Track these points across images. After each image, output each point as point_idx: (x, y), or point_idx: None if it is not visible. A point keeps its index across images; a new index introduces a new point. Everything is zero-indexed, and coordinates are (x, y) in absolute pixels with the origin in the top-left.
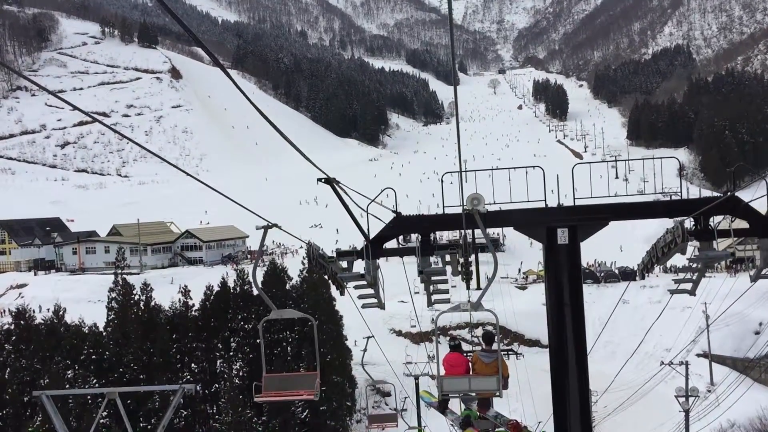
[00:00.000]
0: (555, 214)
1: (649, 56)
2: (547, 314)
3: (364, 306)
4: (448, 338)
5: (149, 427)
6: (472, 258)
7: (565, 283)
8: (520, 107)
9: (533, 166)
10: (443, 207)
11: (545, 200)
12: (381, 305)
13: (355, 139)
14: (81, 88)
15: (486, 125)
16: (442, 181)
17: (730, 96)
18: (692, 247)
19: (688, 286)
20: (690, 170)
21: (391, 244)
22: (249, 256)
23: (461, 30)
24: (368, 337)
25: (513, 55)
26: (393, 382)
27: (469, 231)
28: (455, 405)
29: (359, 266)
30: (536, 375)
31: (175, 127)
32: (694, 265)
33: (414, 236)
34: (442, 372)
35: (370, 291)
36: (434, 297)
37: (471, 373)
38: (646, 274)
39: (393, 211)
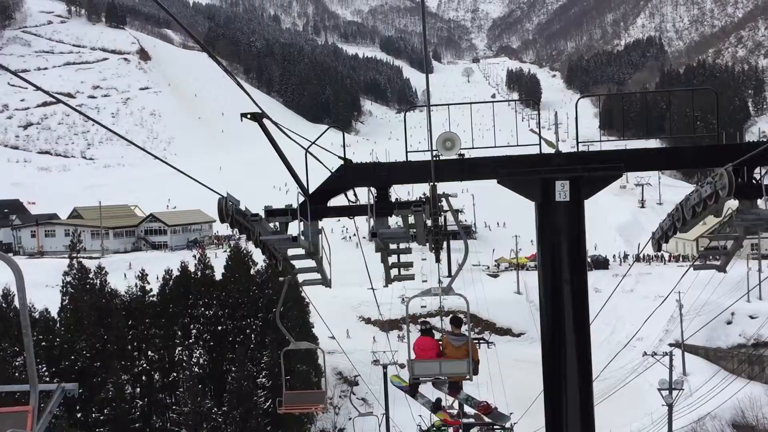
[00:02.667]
0: (552, 163)
1: (622, 47)
2: (540, 295)
3: (304, 283)
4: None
5: (102, 417)
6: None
7: (564, 253)
8: (493, 96)
9: (528, 99)
10: (406, 152)
11: (539, 145)
12: (326, 282)
13: (327, 125)
14: (46, 68)
15: (459, 113)
16: (405, 117)
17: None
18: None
19: (718, 260)
20: None
21: (340, 201)
22: (216, 241)
23: (435, 18)
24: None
25: (487, 44)
26: (362, 370)
27: (440, 184)
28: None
29: (295, 232)
30: (508, 364)
31: (143, 110)
32: (728, 233)
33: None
34: (413, 356)
35: (312, 264)
36: (394, 272)
37: (442, 357)
38: (664, 243)
39: (340, 158)
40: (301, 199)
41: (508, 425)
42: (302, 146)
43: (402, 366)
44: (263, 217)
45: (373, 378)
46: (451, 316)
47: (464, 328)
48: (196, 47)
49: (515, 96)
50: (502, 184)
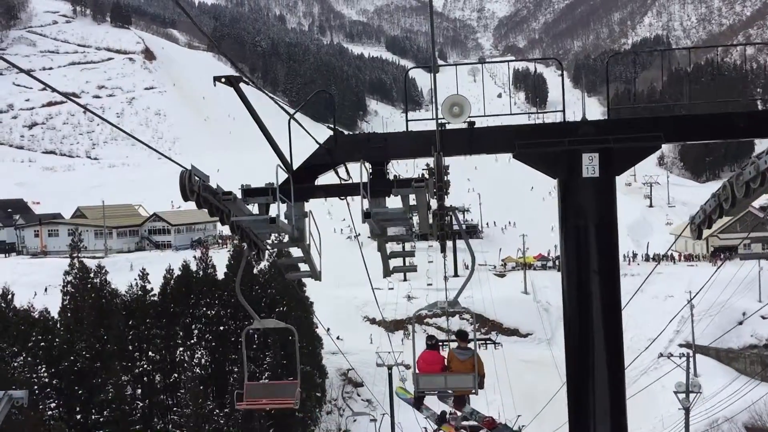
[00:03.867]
0: (579, 132)
1: (629, 46)
2: (563, 289)
3: (288, 275)
4: (423, 328)
5: (101, 419)
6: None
7: (592, 238)
8: (499, 96)
9: (549, 58)
10: (406, 120)
11: (563, 111)
12: (315, 275)
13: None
14: (51, 68)
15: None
16: (406, 77)
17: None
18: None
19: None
20: (670, 159)
21: (330, 180)
22: (219, 241)
23: (441, 18)
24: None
25: (493, 43)
26: (367, 371)
27: (446, 159)
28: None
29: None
30: (515, 366)
31: (148, 109)
32: None
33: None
34: (418, 370)
35: (299, 254)
36: (394, 264)
37: (447, 371)
38: (704, 228)
39: (329, 128)
40: (284, 176)
41: (516, 428)
42: (287, 112)
43: (408, 367)
44: (238, 196)
45: (377, 379)
46: (457, 330)
47: (471, 343)
48: (202, 47)
49: (521, 96)
50: (519, 159)
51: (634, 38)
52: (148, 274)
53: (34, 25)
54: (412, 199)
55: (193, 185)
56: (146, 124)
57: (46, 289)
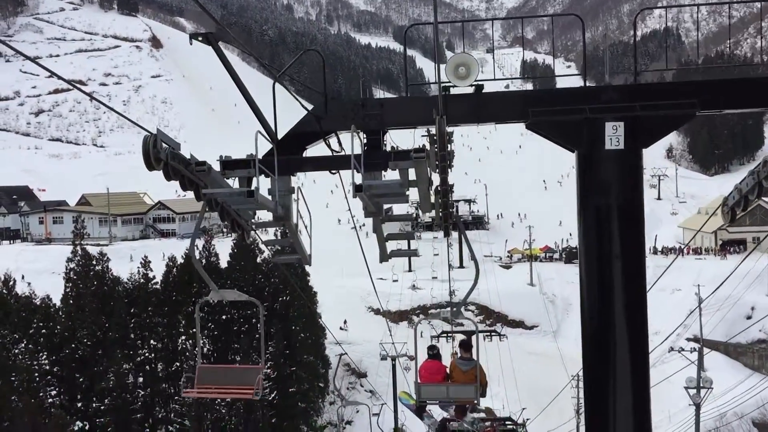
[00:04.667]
0: (602, 98)
1: (639, 38)
2: (581, 275)
3: (275, 258)
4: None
5: (102, 407)
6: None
7: (614, 220)
8: (507, 86)
9: (568, 14)
10: (406, 83)
11: (584, 75)
12: (304, 258)
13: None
14: (57, 55)
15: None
16: (405, 35)
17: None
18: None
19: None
20: (678, 152)
21: (320, 151)
22: (225, 230)
23: (449, 8)
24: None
25: (501, 34)
26: (370, 362)
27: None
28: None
29: (262, 190)
30: (520, 358)
31: (154, 98)
32: None
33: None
34: (420, 379)
35: (287, 237)
36: (392, 248)
37: (449, 380)
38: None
39: (320, 93)
40: (267, 146)
41: (520, 421)
42: (273, 73)
43: (411, 358)
44: (213, 168)
45: (381, 369)
46: (461, 340)
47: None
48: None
49: (529, 86)
50: (533, 129)
51: (643, 30)
52: (150, 261)
53: (41, 12)
54: (412, 174)
55: (160, 153)
56: (152, 113)
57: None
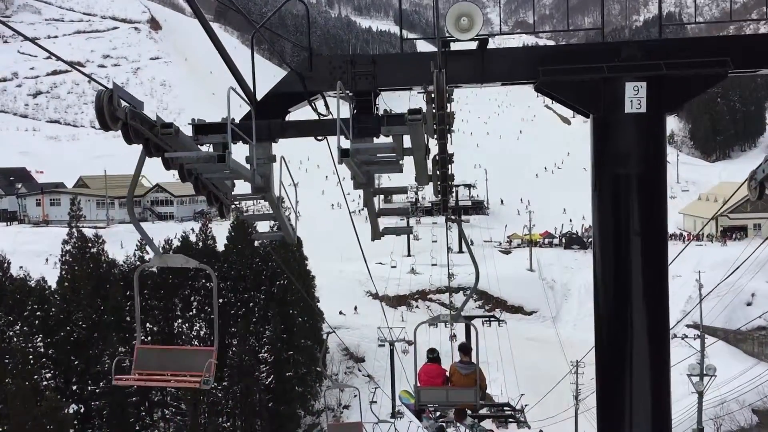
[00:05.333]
0: (622, 55)
1: (641, 23)
2: (594, 257)
3: (257, 237)
4: (426, 304)
5: (97, 390)
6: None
7: (634, 192)
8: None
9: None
10: (401, 40)
11: (602, 27)
12: (288, 236)
13: None
14: (56, 36)
15: (472, 89)
16: None
17: None
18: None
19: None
20: (680, 138)
21: (305, 114)
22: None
23: None
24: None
25: (503, 18)
26: (368, 346)
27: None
28: None
29: (240, 158)
30: (519, 344)
31: (153, 80)
32: None
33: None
34: (419, 383)
35: (269, 211)
36: (385, 225)
37: (448, 384)
38: None
39: (304, 47)
40: (243, 109)
41: (519, 407)
42: (253, 25)
43: (410, 343)
44: (183, 132)
45: (380, 354)
46: (460, 344)
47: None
48: (209, 17)
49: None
50: (542, 91)
51: (645, 15)
52: (146, 244)
53: None
54: (408, 142)
55: (116, 110)
56: (151, 95)
57: (47, 260)
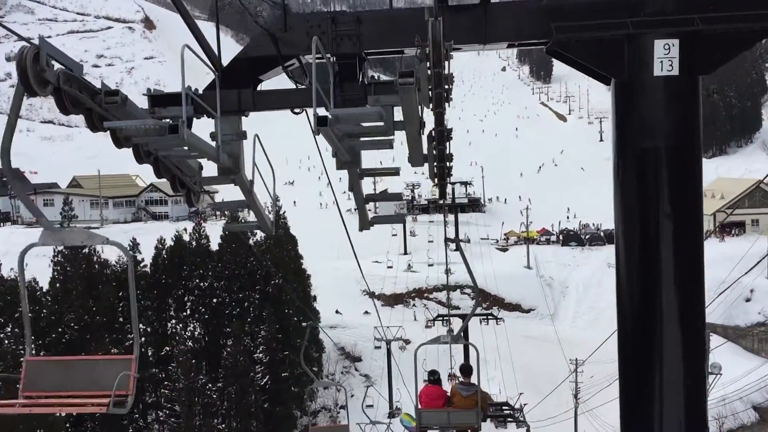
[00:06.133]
0: (648, 9)
1: None
2: (617, 244)
3: (228, 228)
4: (423, 302)
5: None
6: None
7: (664, 168)
8: (503, 69)
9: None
10: None
11: None
12: (264, 226)
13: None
14: (49, 36)
15: (469, 86)
16: None
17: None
18: None
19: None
20: None
21: (281, 84)
22: (217, 213)
23: None
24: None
25: None
26: (365, 345)
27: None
28: None
29: (204, 134)
30: (516, 341)
31: (147, 79)
32: None
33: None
34: (420, 405)
35: (239, 196)
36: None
37: (449, 405)
38: None
39: (277, 4)
40: (206, 78)
41: (517, 406)
42: None
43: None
44: (133, 101)
45: (377, 354)
46: (461, 365)
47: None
48: (203, 17)
49: (526, 69)
50: (555, 53)
51: None
52: (138, 244)
53: None
54: (398, 114)
55: (44, 72)
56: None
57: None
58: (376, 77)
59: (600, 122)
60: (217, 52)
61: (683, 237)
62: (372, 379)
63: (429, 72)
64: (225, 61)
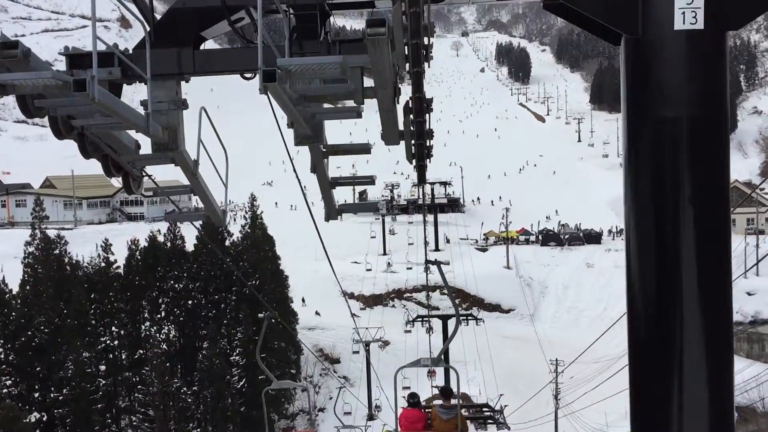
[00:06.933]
0: None
1: None
2: (627, 232)
3: (168, 218)
4: (403, 303)
5: (61, 397)
6: None
7: (684, 141)
8: (482, 70)
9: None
10: None
11: None
12: (215, 216)
13: None
14: (23, 35)
15: (448, 87)
16: None
17: None
18: None
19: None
20: None
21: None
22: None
23: None
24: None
25: (476, 17)
26: (343, 347)
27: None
28: None
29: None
30: (496, 342)
31: None
32: None
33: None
34: (400, 428)
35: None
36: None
37: (430, 429)
38: None
39: None
40: (136, 36)
41: (497, 407)
42: None
43: (387, 343)
44: (38, 56)
45: (356, 355)
46: (441, 387)
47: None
48: None
49: (504, 71)
50: (553, 8)
51: None
52: (111, 245)
53: None
54: (368, 79)
55: None
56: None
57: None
58: (341, 30)
59: (578, 123)
60: (149, 3)
61: (708, 224)
62: (351, 381)
63: (405, 20)
64: (160, 14)
